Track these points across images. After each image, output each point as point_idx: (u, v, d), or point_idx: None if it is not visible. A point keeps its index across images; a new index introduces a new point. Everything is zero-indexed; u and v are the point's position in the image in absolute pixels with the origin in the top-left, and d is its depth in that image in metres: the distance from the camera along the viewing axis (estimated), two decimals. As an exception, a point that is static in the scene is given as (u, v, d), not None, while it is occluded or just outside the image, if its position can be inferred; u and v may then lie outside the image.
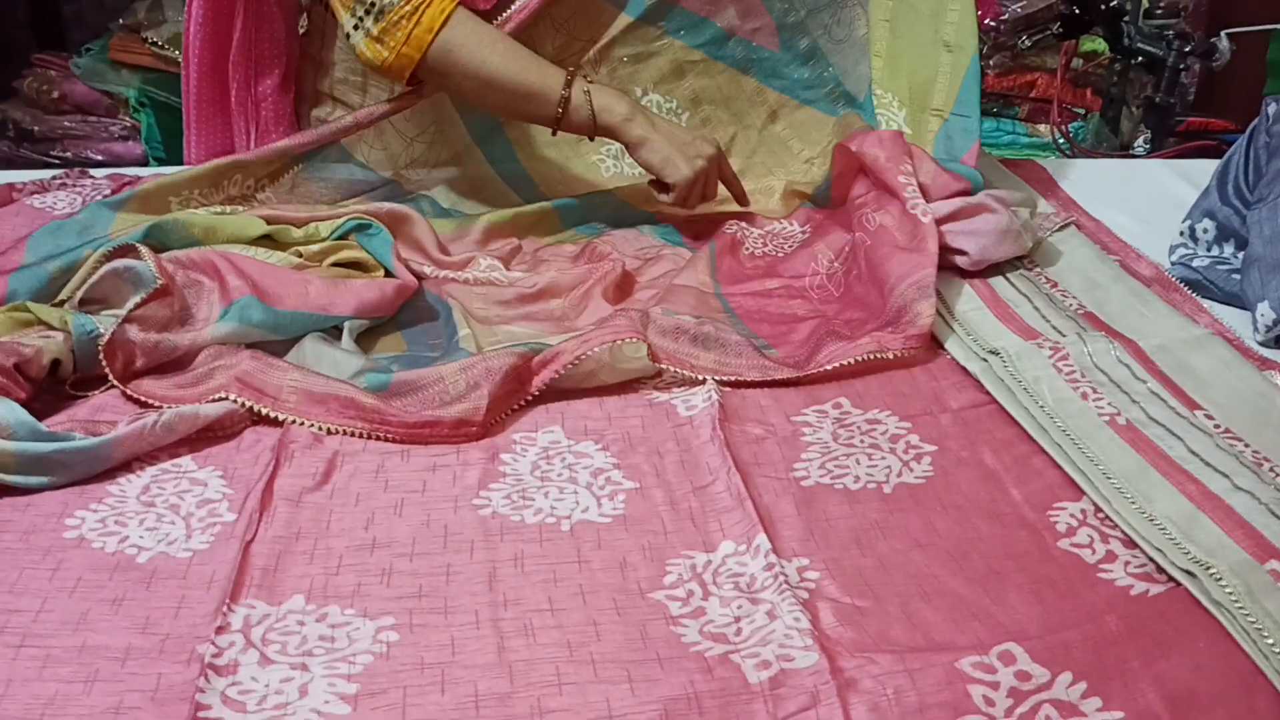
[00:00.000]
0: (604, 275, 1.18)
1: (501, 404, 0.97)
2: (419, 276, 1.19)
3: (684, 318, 1.05)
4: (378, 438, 0.94)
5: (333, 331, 1.07)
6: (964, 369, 1.05)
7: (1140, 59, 2.22)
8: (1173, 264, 1.28)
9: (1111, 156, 2.18)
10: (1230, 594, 0.75)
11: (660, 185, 1.27)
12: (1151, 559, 0.80)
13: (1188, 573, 0.78)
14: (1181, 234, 1.31)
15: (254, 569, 0.78)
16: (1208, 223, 1.30)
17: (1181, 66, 2.17)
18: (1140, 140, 2.32)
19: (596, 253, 1.25)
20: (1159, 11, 2.41)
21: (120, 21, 2.37)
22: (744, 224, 1.33)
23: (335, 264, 1.17)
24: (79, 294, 1.05)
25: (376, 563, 0.81)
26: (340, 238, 1.19)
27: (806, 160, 1.43)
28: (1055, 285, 1.20)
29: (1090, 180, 1.50)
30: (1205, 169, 1.43)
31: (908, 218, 1.16)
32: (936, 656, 0.72)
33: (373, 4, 1.20)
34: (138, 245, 1.05)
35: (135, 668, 0.70)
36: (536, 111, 1.27)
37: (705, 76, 1.40)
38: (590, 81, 1.27)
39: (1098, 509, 0.86)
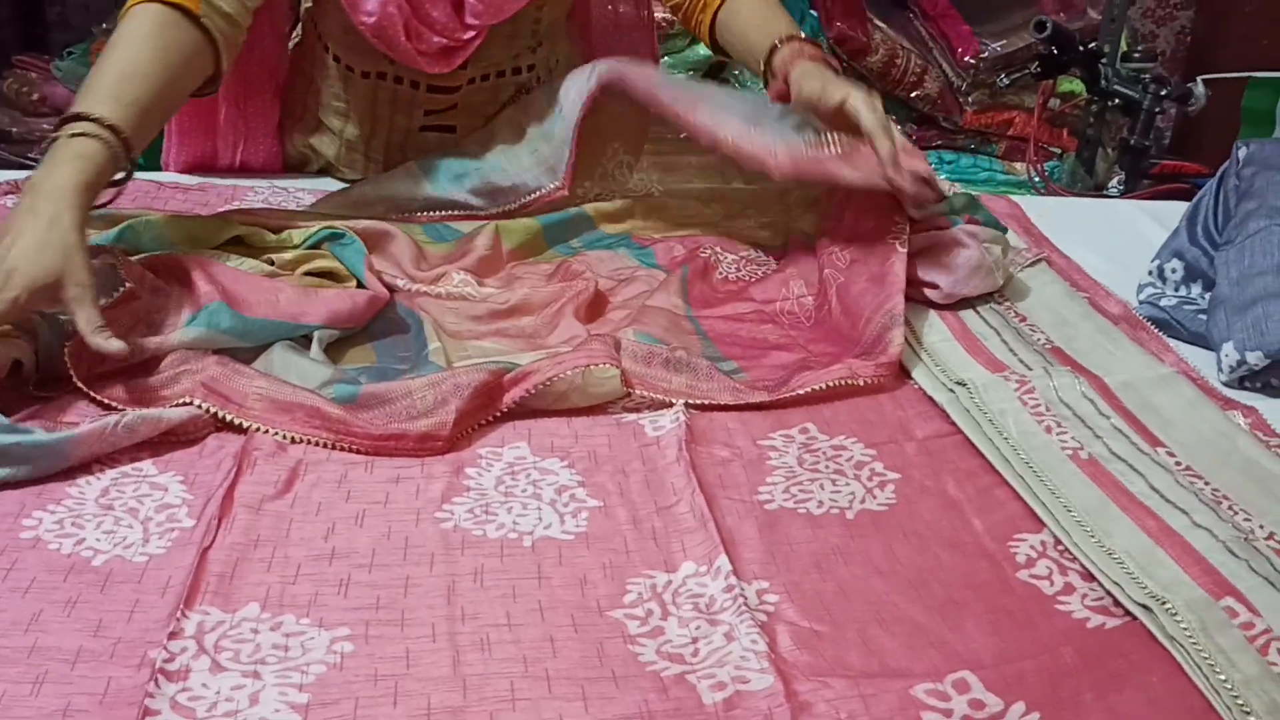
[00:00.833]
0: (577, 294, 1.18)
1: (469, 419, 0.97)
2: (391, 289, 1.18)
3: (656, 345, 1.05)
4: (342, 448, 0.93)
5: (302, 341, 1.06)
6: (931, 399, 1.06)
7: (1117, 101, 2.26)
8: (1140, 303, 1.29)
9: (1085, 195, 2.21)
10: (1185, 629, 0.75)
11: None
12: (1109, 592, 0.81)
13: (1144, 607, 0.78)
14: (1150, 273, 1.33)
15: (210, 575, 0.78)
16: (1176, 263, 1.31)
17: (1157, 110, 2.20)
18: (1114, 181, 2.35)
19: (570, 271, 1.25)
20: (1136, 55, 2.44)
21: (104, 25, 2.37)
22: (718, 249, 1.33)
23: (308, 273, 1.16)
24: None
25: (335, 573, 0.80)
26: (313, 246, 1.19)
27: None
28: (1024, 320, 1.20)
29: (1063, 218, 1.51)
30: (1177, 210, 1.44)
31: (883, 245, 1.17)
32: (891, 683, 0.72)
33: None
34: (109, 247, 1.05)
35: (85, 670, 0.70)
36: None
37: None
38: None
39: (1058, 541, 0.87)
